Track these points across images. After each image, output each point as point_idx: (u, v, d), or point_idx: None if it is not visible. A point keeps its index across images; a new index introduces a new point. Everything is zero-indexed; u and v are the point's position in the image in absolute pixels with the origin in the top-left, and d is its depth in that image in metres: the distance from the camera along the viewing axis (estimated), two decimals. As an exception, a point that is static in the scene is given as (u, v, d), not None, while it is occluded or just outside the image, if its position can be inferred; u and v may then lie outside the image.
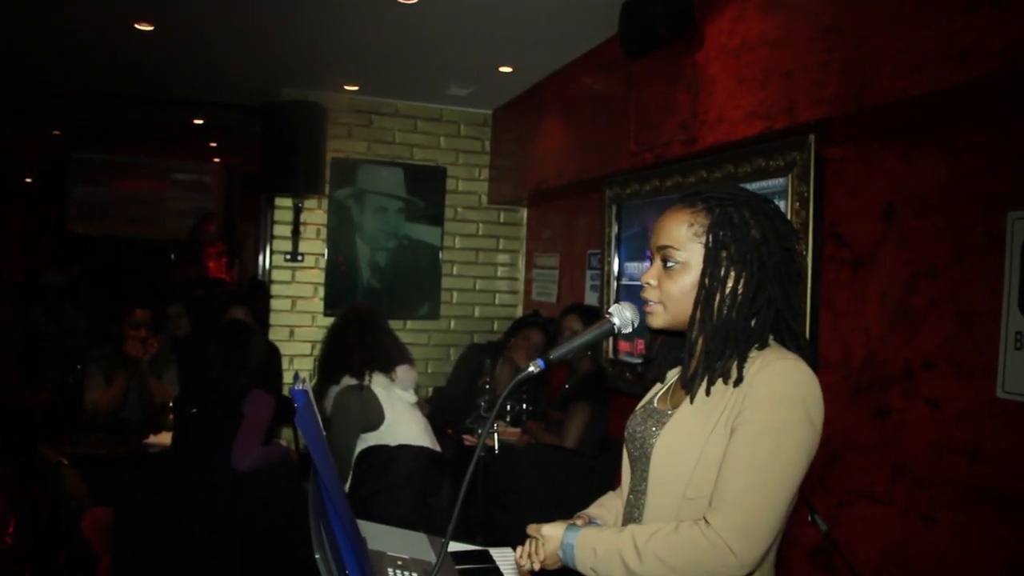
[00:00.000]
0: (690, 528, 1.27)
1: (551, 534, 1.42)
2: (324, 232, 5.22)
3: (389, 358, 3.15)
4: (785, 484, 1.27)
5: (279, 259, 5.16)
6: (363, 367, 3.09)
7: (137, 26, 3.97)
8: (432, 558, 1.74)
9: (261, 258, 8.61)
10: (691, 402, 1.38)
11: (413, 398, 3.21)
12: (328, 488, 1.31)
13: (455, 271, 5.55)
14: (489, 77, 4.61)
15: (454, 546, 1.84)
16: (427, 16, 3.60)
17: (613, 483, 1.70)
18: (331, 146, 5.15)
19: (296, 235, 5.14)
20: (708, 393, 1.36)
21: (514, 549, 1.51)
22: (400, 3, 3.43)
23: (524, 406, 4.13)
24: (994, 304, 2.13)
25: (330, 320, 3.95)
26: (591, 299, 4.48)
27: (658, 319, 1.44)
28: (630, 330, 1.51)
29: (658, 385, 1.58)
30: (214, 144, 8.91)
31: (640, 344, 3.81)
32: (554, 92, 4.50)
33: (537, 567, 1.44)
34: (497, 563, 1.82)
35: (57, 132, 8.48)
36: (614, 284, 4.04)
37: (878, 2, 2.20)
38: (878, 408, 2.47)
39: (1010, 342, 2.08)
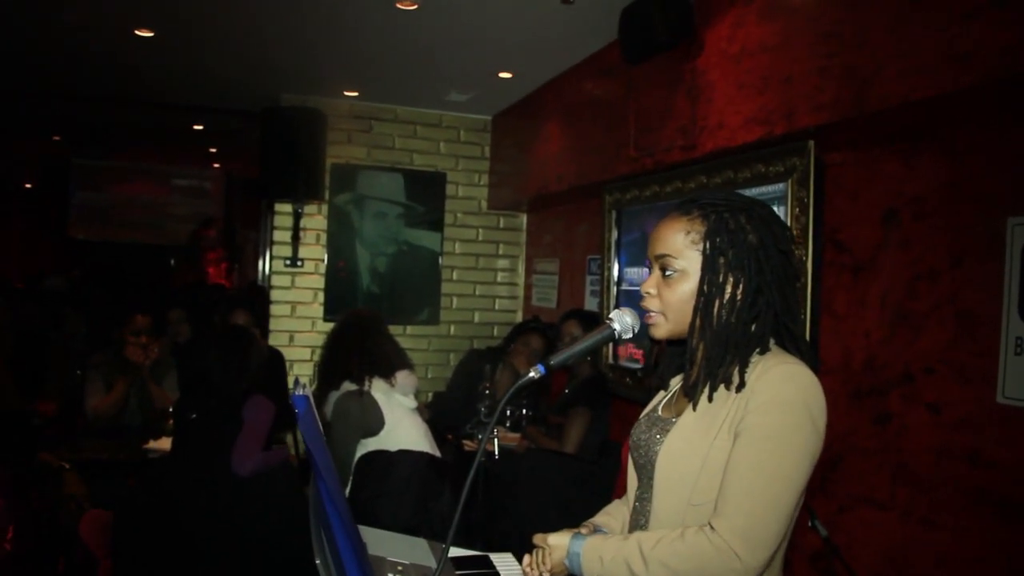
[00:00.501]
0: (695, 534, 1.27)
1: (557, 543, 1.43)
2: (324, 237, 5.23)
3: (389, 363, 3.15)
4: (789, 488, 1.27)
5: (279, 264, 5.17)
6: (363, 372, 3.09)
7: (137, 32, 3.98)
8: (432, 563, 1.74)
9: (261, 263, 8.60)
10: (694, 409, 1.38)
11: (413, 403, 3.21)
12: (329, 493, 1.31)
13: (455, 276, 5.55)
14: (489, 83, 4.62)
15: (454, 551, 1.84)
16: (427, 22, 3.61)
17: (613, 488, 1.70)
18: (331, 151, 5.16)
19: (296, 240, 5.14)
20: (710, 400, 1.36)
21: (514, 554, 1.51)
22: (400, 9, 3.44)
23: (524, 411, 4.13)
24: (994, 309, 2.13)
25: (330, 325, 3.95)
26: (591, 304, 4.48)
27: (660, 329, 1.44)
28: (630, 335, 1.51)
29: (662, 393, 1.58)
30: (214, 149, 8.92)
31: (630, 347, 3.81)
32: (554, 98, 4.50)
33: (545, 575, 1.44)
34: (497, 568, 1.82)
35: (57, 137, 8.50)
36: (614, 289, 4.05)
37: (877, 7, 2.20)
38: (879, 413, 2.47)
39: (1010, 347, 2.08)
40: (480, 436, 3.92)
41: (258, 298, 5.72)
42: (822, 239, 2.69)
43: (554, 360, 1.45)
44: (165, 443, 3.56)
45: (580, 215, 4.73)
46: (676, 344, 1.50)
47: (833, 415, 1.34)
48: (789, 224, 2.67)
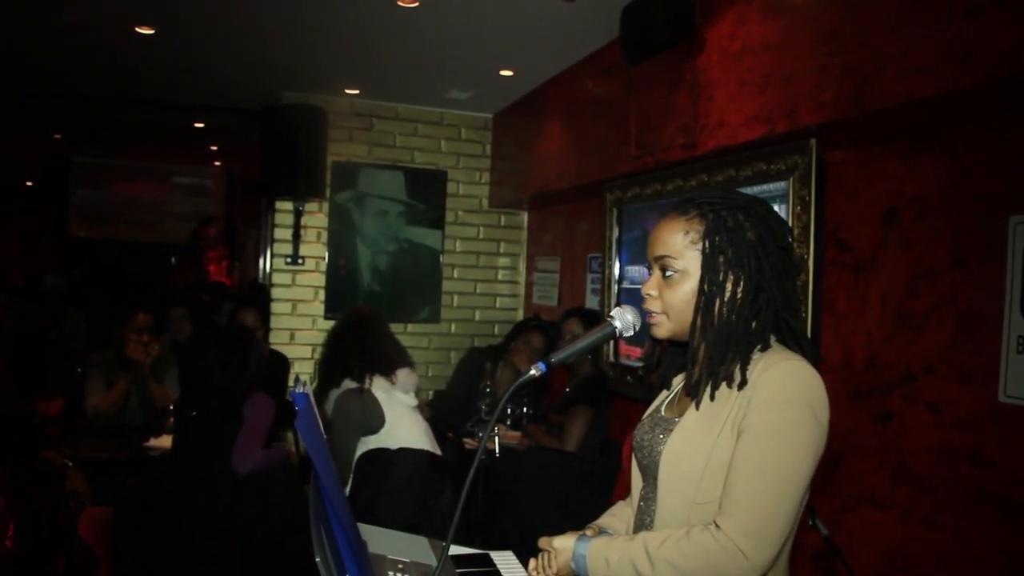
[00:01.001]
0: (701, 532, 1.27)
1: (562, 546, 1.43)
2: (325, 236, 5.22)
3: (390, 361, 3.15)
4: (794, 484, 1.27)
5: (280, 262, 5.17)
6: (364, 370, 3.09)
7: (138, 29, 3.98)
8: (433, 562, 1.74)
9: (262, 262, 8.61)
10: (696, 408, 1.38)
11: (414, 401, 3.21)
12: (329, 491, 1.31)
13: (456, 275, 5.55)
14: (490, 81, 4.62)
15: (454, 549, 1.84)
16: (428, 19, 3.61)
17: (614, 487, 1.70)
18: (332, 149, 5.16)
19: (297, 238, 5.14)
20: (712, 398, 1.36)
21: (515, 552, 1.51)
22: (401, 6, 3.44)
23: (525, 410, 4.12)
24: (995, 308, 2.12)
25: (331, 323, 3.96)
26: (592, 303, 4.48)
27: (663, 329, 1.44)
28: (631, 333, 1.51)
29: (664, 393, 1.58)
30: (215, 148, 8.92)
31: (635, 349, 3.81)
32: (555, 96, 4.50)
33: None
34: (498, 566, 1.82)
35: (58, 135, 8.50)
36: (615, 288, 4.04)
37: (879, 6, 2.20)
38: (879, 412, 2.46)
39: (1012, 346, 2.07)
40: (481, 434, 3.92)
41: (259, 296, 5.72)
42: (823, 238, 2.68)
43: (555, 358, 1.46)
44: (166, 441, 3.56)
45: (581, 213, 4.73)
46: (677, 344, 1.50)
47: (834, 414, 1.34)
48: (790, 222, 2.67)
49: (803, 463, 1.28)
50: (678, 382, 1.55)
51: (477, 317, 5.60)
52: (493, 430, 3.72)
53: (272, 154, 4.82)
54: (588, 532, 1.50)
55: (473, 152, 5.55)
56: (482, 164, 5.57)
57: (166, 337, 4.66)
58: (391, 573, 1.61)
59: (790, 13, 2.56)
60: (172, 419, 3.49)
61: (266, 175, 4.87)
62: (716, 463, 1.32)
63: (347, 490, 3.02)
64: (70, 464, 3.30)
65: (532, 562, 1.50)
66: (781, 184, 2.79)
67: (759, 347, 1.37)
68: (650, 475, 1.46)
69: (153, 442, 3.67)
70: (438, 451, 3.20)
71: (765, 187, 2.85)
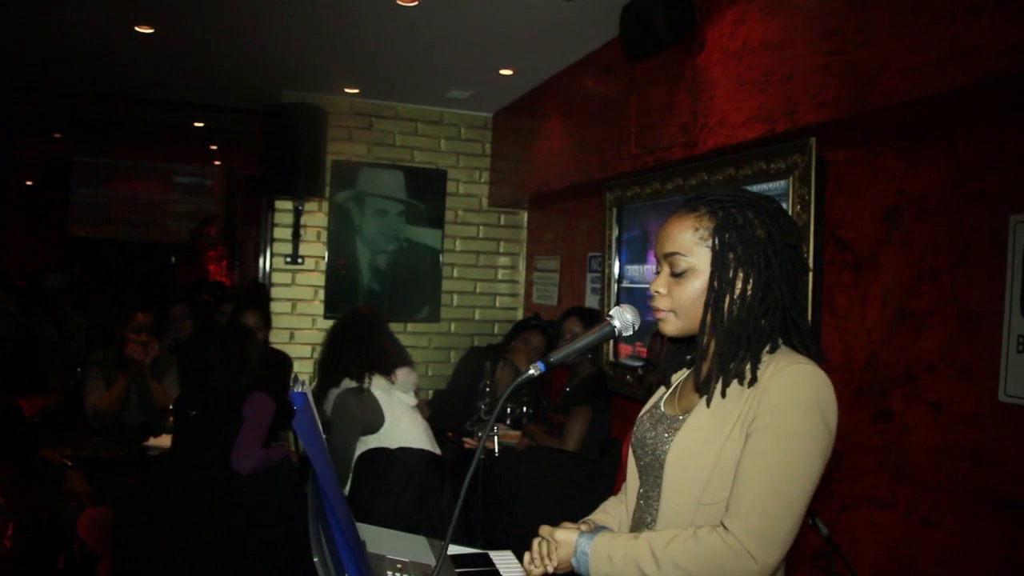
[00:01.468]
0: (709, 534, 1.26)
1: (565, 539, 1.40)
2: (324, 235, 5.22)
3: (389, 361, 3.15)
4: (802, 488, 1.27)
5: (279, 262, 5.17)
6: (363, 370, 3.09)
7: (138, 29, 3.98)
8: (432, 561, 1.74)
9: (261, 261, 8.60)
10: (708, 405, 1.37)
11: (413, 401, 3.20)
12: (327, 491, 1.30)
13: (455, 274, 5.55)
14: (490, 80, 4.62)
15: (454, 549, 1.84)
16: (427, 19, 3.60)
17: (614, 486, 1.69)
18: (332, 149, 5.16)
19: (296, 238, 5.14)
20: (723, 395, 1.35)
21: (514, 552, 1.50)
22: (400, 6, 3.43)
23: (524, 409, 4.12)
24: (996, 307, 2.12)
25: (330, 323, 3.95)
26: (592, 302, 4.47)
27: (671, 326, 1.43)
28: (631, 333, 1.51)
29: (662, 389, 1.57)
30: (215, 147, 8.92)
31: (636, 347, 3.80)
32: (555, 95, 4.50)
33: (551, 570, 1.41)
34: (497, 566, 1.82)
35: (58, 135, 8.50)
36: (615, 287, 4.04)
37: (879, 5, 2.20)
38: (880, 411, 2.46)
39: (1012, 345, 2.07)
40: (480, 434, 3.92)
41: (258, 295, 5.72)
42: (823, 237, 2.68)
43: (554, 357, 1.45)
44: (165, 440, 3.55)
45: (581, 212, 4.73)
46: (678, 341, 1.50)
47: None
48: (790, 222, 2.67)
49: (812, 468, 1.28)
50: (677, 378, 1.55)
51: (477, 316, 5.60)
52: (493, 430, 3.72)
53: (272, 153, 4.82)
54: (583, 527, 1.47)
55: (473, 151, 5.55)
56: (482, 163, 5.57)
57: (167, 336, 4.66)
58: (390, 573, 1.61)
59: (790, 12, 2.56)
60: (172, 418, 3.49)
61: (266, 174, 4.88)
62: (724, 464, 1.32)
63: (346, 489, 3.02)
64: (69, 464, 3.30)
65: (528, 553, 1.45)
66: (781, 183, 2.79)
67: (768, 348, 1.36)
68: (652, 473, 1.45)
69: (153, 441, 3.67)
70: (438, 451, 3.20)
71: (765, 186, 2.85)
